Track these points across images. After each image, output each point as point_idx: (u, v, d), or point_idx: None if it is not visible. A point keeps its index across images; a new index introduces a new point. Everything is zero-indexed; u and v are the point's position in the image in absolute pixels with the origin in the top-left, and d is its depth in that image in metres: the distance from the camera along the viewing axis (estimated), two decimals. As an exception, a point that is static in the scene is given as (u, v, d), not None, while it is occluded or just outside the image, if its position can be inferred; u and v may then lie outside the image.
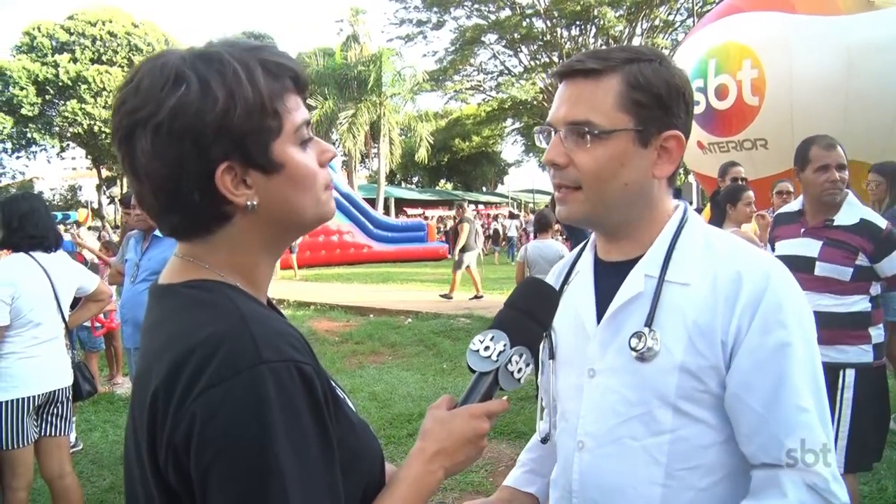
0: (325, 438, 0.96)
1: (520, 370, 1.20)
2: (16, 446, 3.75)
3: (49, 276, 3.91)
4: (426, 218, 36.54)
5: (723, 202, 5.39)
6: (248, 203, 1.02)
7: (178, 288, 1.06)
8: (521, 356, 1.20)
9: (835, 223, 3.48)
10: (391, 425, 6.20)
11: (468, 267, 14.43)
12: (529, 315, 1.26)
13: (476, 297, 13.97)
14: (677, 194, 5.47)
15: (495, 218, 37.05)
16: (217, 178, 0.99)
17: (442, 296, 14.16)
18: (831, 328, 3.33)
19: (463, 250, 14.52)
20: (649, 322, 1.30)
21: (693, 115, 1.39)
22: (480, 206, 50.73)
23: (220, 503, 0.89)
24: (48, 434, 3.95)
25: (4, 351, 3.73)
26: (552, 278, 1.63)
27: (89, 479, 5.25)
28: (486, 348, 1.21)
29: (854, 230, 3.43)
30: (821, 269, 3.45)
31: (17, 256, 3.88)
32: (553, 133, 1.36)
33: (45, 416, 3.93)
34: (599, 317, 1.40)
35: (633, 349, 1.30)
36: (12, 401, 3.72)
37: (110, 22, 40.40)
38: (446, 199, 52.32)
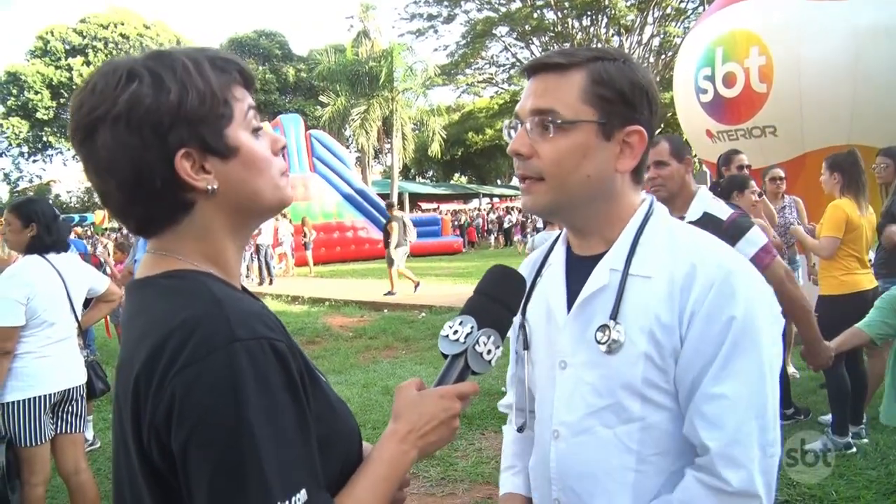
0: (299, 411, 1.01)
1: (489, 352, 1.25)
2: (33, 444, 3.84)
3: (62, 277, 4.00)
4: (439, 212, 36.55)
5: (730, 189, 5.36)
6: (209, 187, 1.08)
7: (154, 279, 1.11)
8: (489, 338, 1.25)
9: (685, 219, 3.33)
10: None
11: (391, 265, 14.92)
12: (494, 299, 1.30)
13: (389, 293, 14.40)
14: (715, 188, 5.38)
15: (509, 211, 37.01)
16: (177, 163, 1.05)
17: (386, 294, 14.49)
18: None
19: (391, 246, 14.97)
20: (614, 315, 1.34)
21: (657, 114, 1.41)
22: (496, 199, 50.64)
23: (200, 475, 0.94)
24: (64, 431, 4.05)
25: (20, 351, 3.82)
26: (525, 269, 1.66)
27: (107, 475, 5.33)
28: (455, 332, 1.26)
29: (698, 225, 3.23)
30: None
31: (32, 258, 3.96)
32: (520, 126, 1.39)
33: (60, 413, 4.02)
34: (570, 309, 1.43)
35: (599, 342, 1.34)
36: (29, 399, 3.81)
37: (122, 24, 40.69)
38: (461, 193, 52.23)
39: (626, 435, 1.34)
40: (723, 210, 3.34)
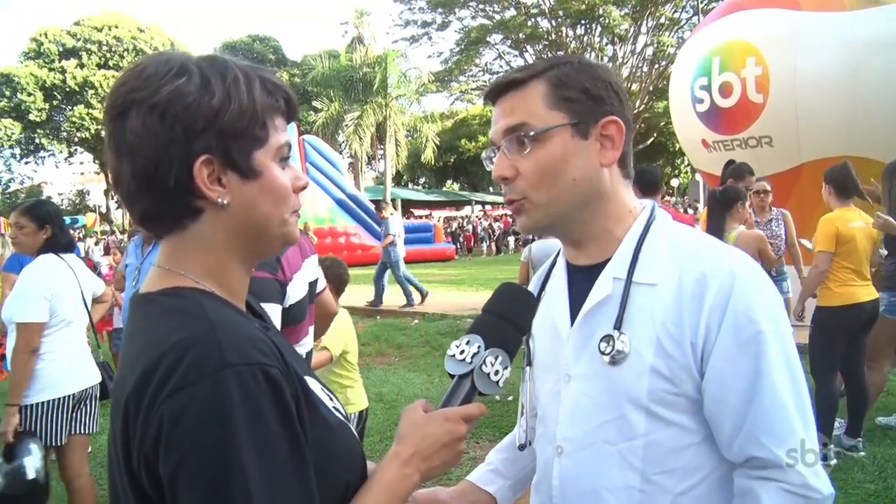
0: (293, 439, 0.97)
1: (497, 373, 1.21)
2: (53, 445, 3.89)
3: (77, 277, 4.08)
4: (431, 218, 36.59)
5: (734, 201, 5.37)
6: (220, 200, 1.05)
7: (155, 296, 1.08)
8: (496, 358, 1.21)
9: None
10: (397, 426, 6.19)
11: None
12: (503, 317, 1.26)
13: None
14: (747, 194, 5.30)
15: (497, 219, 37.18)
16: (195, 169, 1.03)
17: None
18: None
19: None
20: (618, 325, 1.30)
21: (626, 103, 1.39)
22: (487, 207, 50.72)
23: None
24: (77, 432, 4.06)
25: (41, 351, 3.82)
26: (533, 284, 1.63)
27: (97, 481, 5.26)
28: (462, 352, 1.22)
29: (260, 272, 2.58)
30: None
31: (49, 257, 4.00)
32: (497, 152, 1.38)
33: (74, 414, 4.02)
34: (573, 322, 1.40)
35: (603, 353, 1.30)
36: (53, 401, 3.85)
37: (116, 27, 40.53)
38: (453, 200, 52.29)
39: (629, 452, 1.30)
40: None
